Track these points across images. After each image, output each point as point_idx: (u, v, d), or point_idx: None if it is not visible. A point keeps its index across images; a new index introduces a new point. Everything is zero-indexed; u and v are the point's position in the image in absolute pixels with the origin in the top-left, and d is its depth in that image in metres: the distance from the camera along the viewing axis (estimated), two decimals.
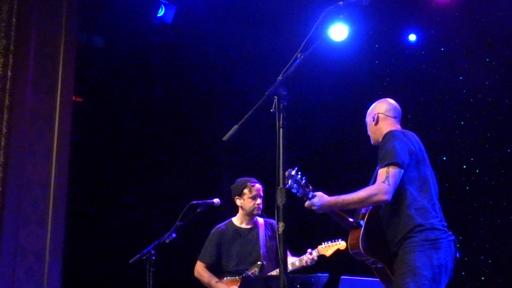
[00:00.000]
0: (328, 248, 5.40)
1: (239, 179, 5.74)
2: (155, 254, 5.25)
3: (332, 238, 5.43)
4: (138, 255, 5.30)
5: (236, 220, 5.75)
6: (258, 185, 5.65)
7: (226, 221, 5.80)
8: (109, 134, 8.02)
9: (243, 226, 5.71)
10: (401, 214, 4.14)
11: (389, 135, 4.26)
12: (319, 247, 5.44)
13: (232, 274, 5.54)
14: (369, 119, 4.55)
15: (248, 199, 5.63)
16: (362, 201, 4.12)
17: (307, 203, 4.10)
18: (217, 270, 5.63)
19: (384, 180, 4.05)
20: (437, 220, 4.17)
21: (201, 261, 5.67)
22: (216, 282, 5.54)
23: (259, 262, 5.49)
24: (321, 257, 5.45)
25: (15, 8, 5.80)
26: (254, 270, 5.47)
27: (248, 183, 5.65)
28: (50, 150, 5.97)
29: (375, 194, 4.07)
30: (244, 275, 5.34)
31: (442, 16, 7.97)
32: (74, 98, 6.43)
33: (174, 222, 5.38)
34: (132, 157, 8.16)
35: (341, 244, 5.35)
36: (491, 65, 7.95)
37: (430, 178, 4.29)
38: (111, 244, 7.63)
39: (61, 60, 6.13)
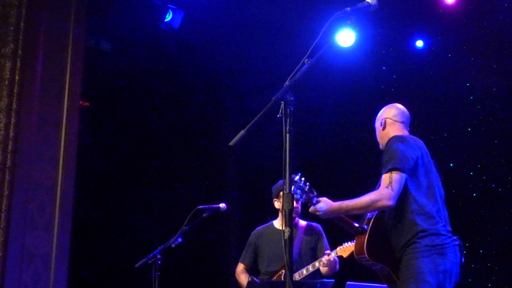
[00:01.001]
0: (346, 249, 5.38)
1: (279, 181, 5.71)
2: (161, 258, 5.27)
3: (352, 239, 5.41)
4: (144, 260, 5.32)
5: (276, 222, 5.82)
6: None
7: (267, 223, 5.87)
8: (115, 138, 8.03)
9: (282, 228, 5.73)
10: (405, 219, 4.13)
11: (393, 140, 4.25)
12: (338, 248, 5.43)
13: (265, 274, 5.63)
14: (377, 124, 4.55)
15: None
16: (366, 207, 4.12)
17: (311, 209, 4.11)
18: (255, 271, 5.74)
19: (387, 186, 4.05)
20: (440, 225, 4.16)
21: (241, 262, 5.84)
22: None
23: None
24: (340, 258, 5.44)
25: (24, 12, 5.81)
26: (281, 272, 5.47)
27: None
28: (57, 154, 5.97)
29: (378, 200, 4.07)
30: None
31: (449, 22, 7.95)
32: (81, 102, 6.43)
33: (180, 226, 5.39)
34: (138, 162, 8.16)
35: None
36: (499, 71, 7.93)
37: (436, 183, 4.28)
38: (117, 248, 7.64)
39: (68, 65, 6.13)
